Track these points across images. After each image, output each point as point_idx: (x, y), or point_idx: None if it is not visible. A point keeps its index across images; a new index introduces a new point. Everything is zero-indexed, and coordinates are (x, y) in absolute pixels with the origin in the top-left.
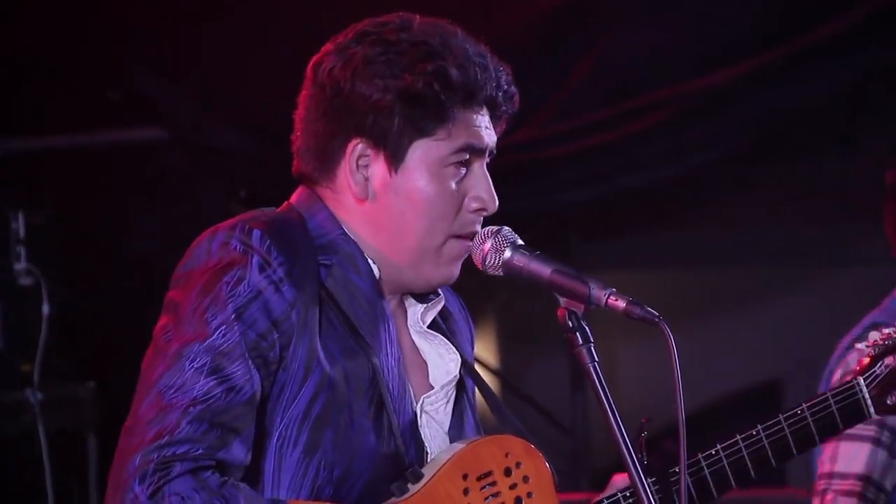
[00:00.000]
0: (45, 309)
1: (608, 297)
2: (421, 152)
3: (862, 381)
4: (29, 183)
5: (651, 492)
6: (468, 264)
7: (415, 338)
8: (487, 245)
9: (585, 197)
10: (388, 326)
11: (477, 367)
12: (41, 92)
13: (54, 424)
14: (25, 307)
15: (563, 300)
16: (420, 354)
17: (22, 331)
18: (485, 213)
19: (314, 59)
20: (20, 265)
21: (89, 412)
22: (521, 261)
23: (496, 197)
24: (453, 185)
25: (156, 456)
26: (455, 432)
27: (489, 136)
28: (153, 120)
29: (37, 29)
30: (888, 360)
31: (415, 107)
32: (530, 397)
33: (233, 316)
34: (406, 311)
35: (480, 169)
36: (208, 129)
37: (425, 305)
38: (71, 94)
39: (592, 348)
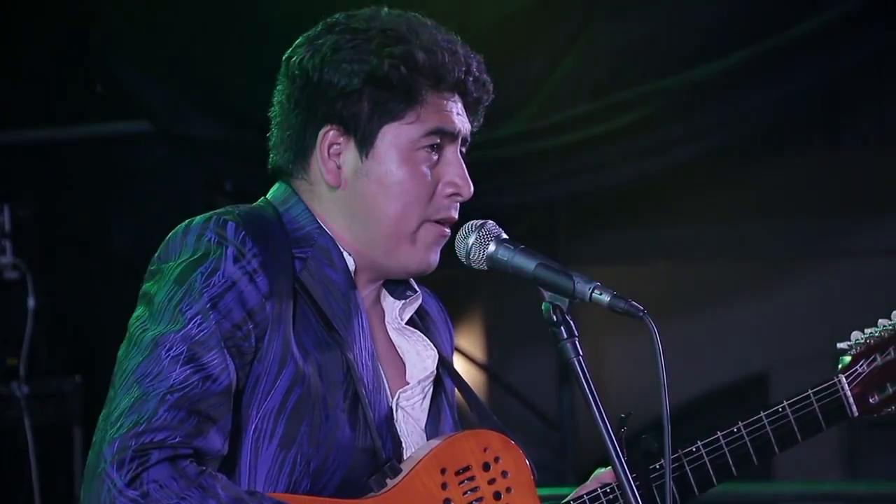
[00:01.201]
0: (31, 303)
1: (593, 291)
2: (391, 136)
3: (844, 379)
4: (14, 176)
5: (632, 482)
6: (453, 258)
7: (392, 335)
8: (471, 239)
9: (571, 190)
10: (362, 320)
11: (463, 360)
12: (27, 86)
13: (40, 418)
14: (11, 301)
15: (547, 294)
16: (397, 351)
17: (7, 325)
18: (459, 199)
19: (286, 53)
20: (6, 259)
21: (75, 406)
22: (506, 255)
23: (471, 182)
24: (425, 170)
25: (133, 443)
26: (432, 429)
27: (461, 122)
28: (138, 113)
29: (21, 24)
30: (871, 359)
31: (382, 90)
32: (516, 391)
33: (208, 306)
34: (383, 308)
35: (454, 154)
36: (192, 122)
37: (403, 302)
38: (57, 87)
39: (577, 342)
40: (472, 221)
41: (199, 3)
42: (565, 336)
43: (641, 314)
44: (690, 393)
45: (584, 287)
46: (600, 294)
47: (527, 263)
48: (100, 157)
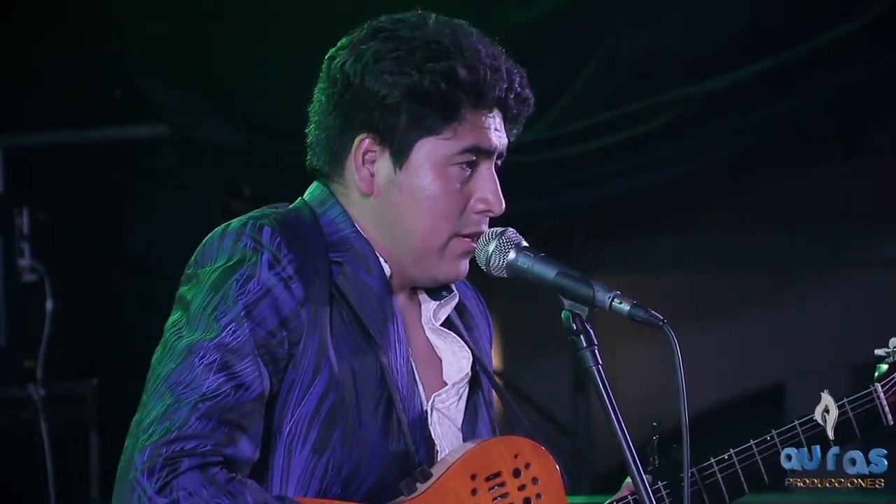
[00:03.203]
0: (49, 305)
1: (612, 300)
2: (426, 151)
3: (880, 388)
4: (33, 180)
5: (651, 494)
6: (473, 265)
7: (429, 335)
8: (492, 246)
9: (589, 199)
10: (397, 324)
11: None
12: (45, 89)
13: (56, 421)
14: (29, 303)
15: (567, 302)
16: (435, 352)
17: (25, 327)
18: (490, 215)
19: (329, 52)
20: (24, 261)
21: (91, 409)
22: (526, 263)
23: (503, 199)
24: (458, 185)
25: (164, 451)
26: (468, 429)
27: (498, 138)
28: (155, 117)
29: (39, 27)
30: None
31: (421, 105)
32: (531, 398)
33: (242, 313)
34: (420, 309)
35: (488, 170)
36: (209, 126)
37: (438, 303)
38: (75, 91)
39: (596, 351)
40: (492, 229)
41: (216, 8)
42: (585, 345)
43: (661, 323)
44: (708, 402)
45: (603, 295)
46: (620, 303)
47: (547, 271)
48: (117, 161)
